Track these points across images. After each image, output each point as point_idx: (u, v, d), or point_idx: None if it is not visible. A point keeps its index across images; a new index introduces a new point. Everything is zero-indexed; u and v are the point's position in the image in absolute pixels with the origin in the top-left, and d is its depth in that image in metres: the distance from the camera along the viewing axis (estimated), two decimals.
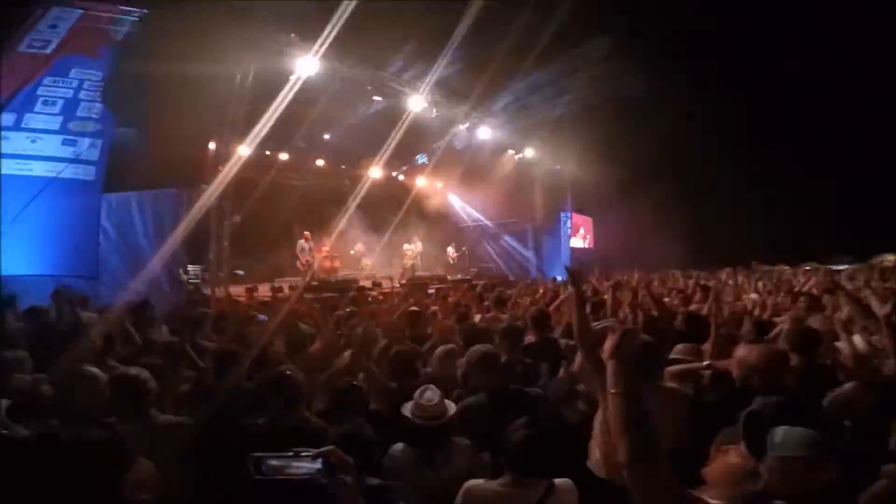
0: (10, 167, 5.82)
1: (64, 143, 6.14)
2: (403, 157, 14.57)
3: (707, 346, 3.24)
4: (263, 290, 9.42)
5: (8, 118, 5.81)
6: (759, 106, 17.07)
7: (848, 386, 2.37)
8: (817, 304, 4.85)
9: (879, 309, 3.19)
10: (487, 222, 17.02)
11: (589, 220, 19.41)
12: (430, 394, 2.18)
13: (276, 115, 8.27)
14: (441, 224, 17.05)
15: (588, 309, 4.33)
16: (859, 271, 9.18)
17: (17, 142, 5.86)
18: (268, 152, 12.52)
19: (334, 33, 8.06)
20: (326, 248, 13.27)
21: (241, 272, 12.20)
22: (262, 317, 4.89)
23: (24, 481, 0.84)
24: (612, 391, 1.27)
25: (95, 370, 2.99)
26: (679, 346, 3.20)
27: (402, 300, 5.60)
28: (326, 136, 13.27)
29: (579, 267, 2.40)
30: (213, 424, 2.16)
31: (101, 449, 0.89)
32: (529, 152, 15.55)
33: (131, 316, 4.56)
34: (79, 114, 6.18)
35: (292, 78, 8.24)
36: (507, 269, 16.37)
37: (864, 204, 15.99)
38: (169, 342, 3.73)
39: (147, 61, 6.09)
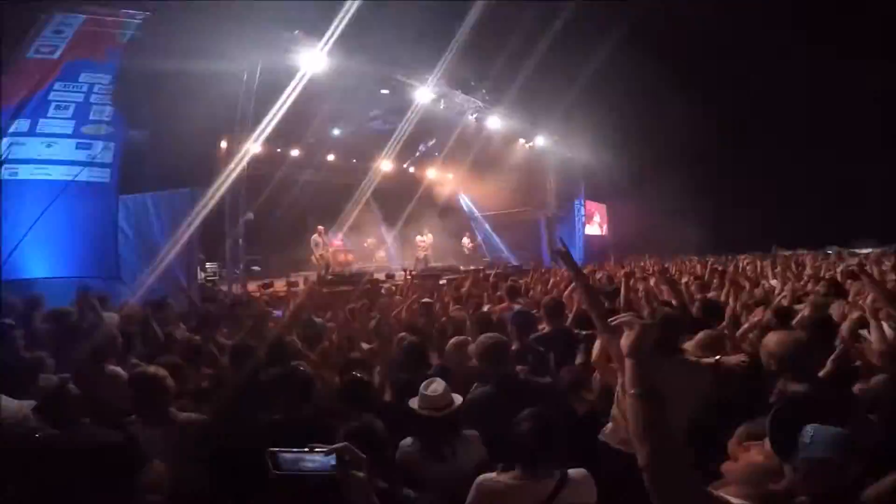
0: (30, 172, 5.96)
1: (78, 146, 6.24)
2: (414, 149, 14.54)
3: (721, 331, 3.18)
4: (279, 285, 9.55)
5: (23, 124, 5.92)
6: (776, 89, 16.59)
7: (876, 379, 2.27)
8: (839, 290, 4.71)
9: None
10: (500, 211, 16.92)
11: (603, 207, 19.17)
12: (436, 385, 2.18)
13: (286, 111, 8.29)
14: (453, 215, 17.02)
15: (600, 294, 4.32)
16: (885, 255, 8.90)
17: (33, 147, 5.98)
18: (279, 149, 12.61)
19: (340, 28, 8.04)
20: (340, 242, 13.37)
21: (257, 268, 12.38)
22: (276, 312, 4.95)
23: (39, 482, 0.86)
24: (632, 392, 1.22)
25: (117, 369, 3.08)
26: (698, 337, 3.13)
27: (413, 292, 5.62)
28: (336, 132, 13.31)
29: (563, 247, 2.35)
30: (229, 420, 2.20)
31: (115, 450, 0.91)
32: (540, 140, 15.38)
33: (152, 314, 4.67)
34: (91, 117, 6.27)
35: (299, 74, 8.24)
36: (520, 258, 16.28)
37: (887, 187, 15.46)
38: (187, 340, 3.80)
39: (153, 63, 6.14)
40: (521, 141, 15.46)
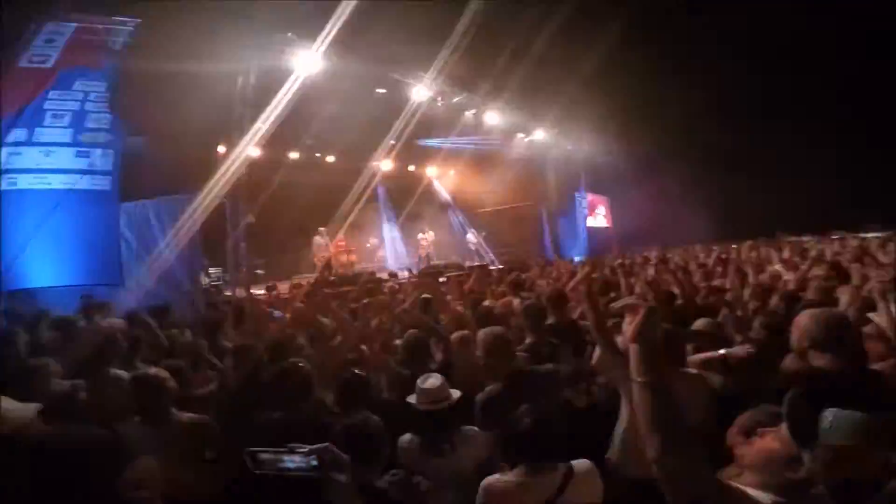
0: (29, 182, 5.97)
1: (77, 154, 6.25)
2: (413, 148, 14.50)
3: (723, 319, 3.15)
4: (283, 288, 9.57)
5: (20, 133, 5.93)
6: (779, 76, 16.44)
7: (886, 364, 2.21)
8: (842, 274, 4.65)
9: None
10: (501, 207, 16.89)
11: (605, 199, 19.10)
12: (433, 380, 2.17)
13: (283, 114, 8.29)
14: (455, 212, 17.00)
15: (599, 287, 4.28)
16: (889, 239, 8.81)
17: (32, 156, 5.99)
18: (278, 152, 12.61)
19: (335, 29, 8.01)
20: (342, 243, 13.38)
21: (261, 271, 12.41)
22: (277, 313, 4.96)
23: (25, 479, 0.85)
24: (638, 380, 1.16)
25: (122, 373, 3.09)
26: (700, 322, 3.12)
27: (414, 289, 5.61)
28: (335, 134, 13.30)
29: (592, 261, 2.32)
30: (231, 421, 2.20)
31: (98, 447, 0.90)
32: (539, 134, 15.33)
33: (155, 320, 4.69)
34: (88, 125, 6.27)
35: (293, 77, 8.24)
36: (524, 252, 16.25)
37: (891, 172, 15.30)
38: (191, 344, 3.80)
39: (147, 68, 6.15)
40: (520, 135, 15.42)
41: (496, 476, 1.85)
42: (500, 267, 8.96)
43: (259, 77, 8.42)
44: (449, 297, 5.14)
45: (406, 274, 11.10)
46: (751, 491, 1.25)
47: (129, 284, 6.67)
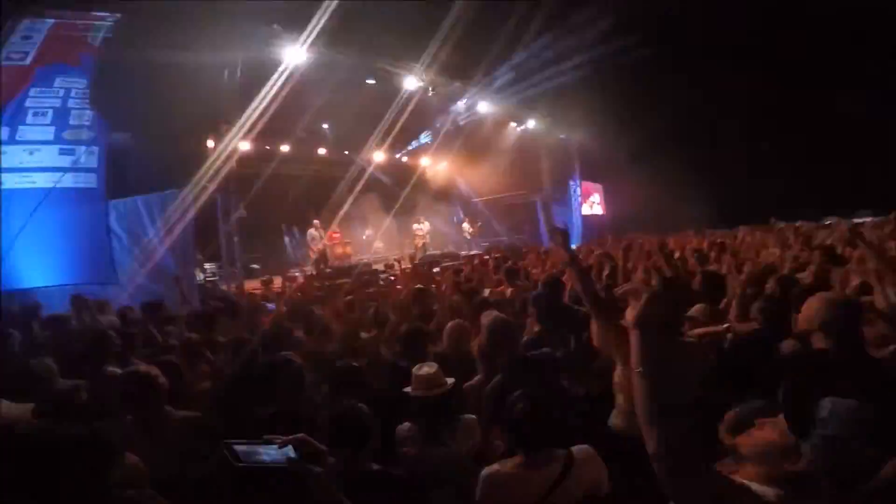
0: (14, 181, 5.87)
1: (61, 152, 6.15)
2: (405, 138, 14.42)
3: (725, 306, 3.15)
4: (279, 282, 9.53)
5: (2, 132, 5.82)
6: (773, 62, 16.38)
7: (888, 350, 2.19)
8: (836, 258, 4.67)
9: None
10: (495, 196, 16.85)
11: (599, 186, 19.10)
12: (428, 367, 2.17)
13: (272, 107, 8.19)
14: (449, 201, 16.96)
15: (605, 273, 4.28)
16: (885, 223, 8.85)
17: (15, 155, 5.88)
18: (268, 146, 12.48)
19: (322, 21, 7.88)
20: (337, 235, 13.31)
21: (256, 266, 12.35)
22: (270, 306, 4.94)
23: (9, 476, 0.83)
24: (639, 370, 1.11)
25: (116, 370, 3.07)
26: (696, 307, 3.13)
27: (409, 280, 5.59)
28: (325, 125, 13.18)
29: (564, 227, 2.31)
30: (225, 415, 2.18)
31: (83, 444, 0.88)
32: (532, 123, 15.26)
33: (149, 316, 4.65)
34: (71, 122, 6.16)
35: (281, 68, 8.12)
36: (519, 241, 16.26)
37: (883, 156, 15.37)
38: (185, 339, 3.77)
39: (129, 63, 6.02)
40: (513, 124, 15.34)
41: (496, 465, 1.83)
42: (496, 256, 8.94)
43: (246, 69, 8.30)
44: (444, 287, 5.13)
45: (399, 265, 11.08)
46: (753, 485, 1.21)
47: (122, 281, 6.61)
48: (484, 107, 13.34)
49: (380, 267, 11.32)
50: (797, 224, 11.89)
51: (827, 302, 2.08)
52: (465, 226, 15.81)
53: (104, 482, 0.89)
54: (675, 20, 14.44)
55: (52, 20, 6.02)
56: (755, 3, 15.15)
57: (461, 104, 13.08)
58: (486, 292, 4.71)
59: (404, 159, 16.46)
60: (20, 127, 5.91)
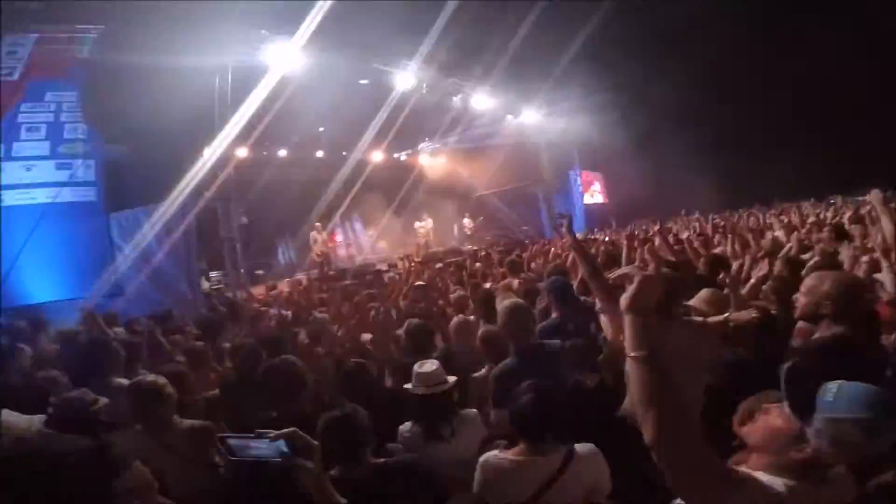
0: (14, 198, 5.90)
1: (58, 167, 6.18)
2: (403, 136, 14.37)
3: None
4: (283, 287, 9.55)
5: None
6: (773, 43, 16.22)
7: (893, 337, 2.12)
8: (844, 236, 4.61)
9: None
10: (497, 189, 16.81)
11: (600, 175, 19.01)
12: (429, 364, 2.15)
13: (265, 111, 8.17)
14: (450, 198, 16.93)
15: (602, 260, 4.24)
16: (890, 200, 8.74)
17: (12, 172, 5.91)
18: (265, 152, 12.50)
19: (311, 23, 7.83)
20: (339, 237, 13.32)
21: (261, 272, 12.38)
22: (273, 310, 4.94)
23: (10, 489, 0.82)
24: (633, 355, 1.07)
25: (123, 381, 3.07)
26: (703, 293, 3.05)
27: (412, 278, 5.58)
28: (321, 128, 13.16)
29: (567, 214, 2.28)
30: (229, 420, 2.17)
31: (88, 455, 0.87)
32: (530, 115, 15.19)
33: (157, 327, 4.67)
34: (65, 136, 6.19)
35: (272, 72, 8.09)
36: (521, 233, 16.23)
37: (886, 137, 15.18)
38: (192, 348, 3.77)
39: (119, 75, 6.01)
40: (510, 117, 15.27)
41: (495, 452, 1.82)
42: (499, 249, 8.93)
43: (237, 75, 8.27)
44: (449, 283, 5.12)
45: (402, 263, 11.07)
46: (761, 476, 1.17)
47: (127, 293, 6.64)
48: (480, 101, 13.28)
49: (383, 266, 11.33)
50: (801, 203, 11.81)
51: (836, 282, 2.03)
52: (466, 221, 15.80)
53: (108, 494, 0.88)
54: (672, 4, 14.30)
55: (36, 34, 6.00)
56: None
57: (457, 100, 13.01)
58: (488, 285, 4.70)
59: (403, 158, 16.44)
60: (15, 143, 5.93)
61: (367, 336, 3.35)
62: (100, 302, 5.88)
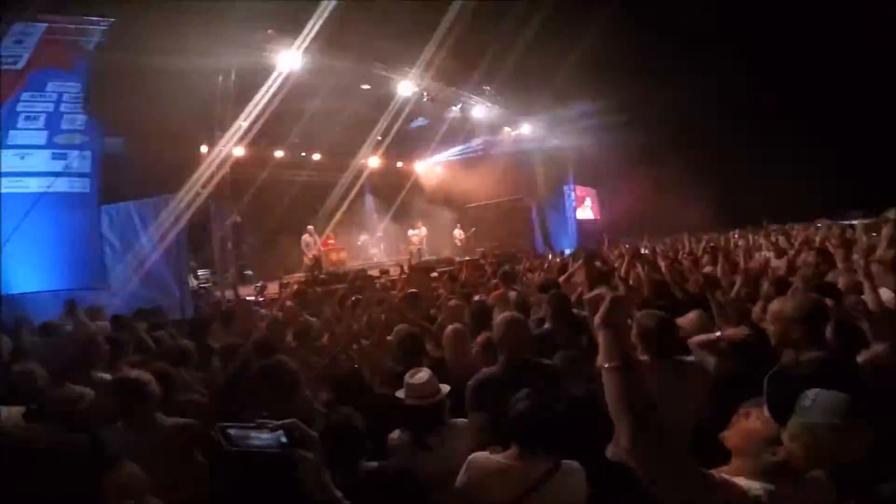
0: (6, 185, 5.80)
1: (53, 157, 6.10)
2: (400, 143, 14.43)
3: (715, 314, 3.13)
4: (273, 288, 9.45)
5: None
6: (765, 68, 16.63)
7: (878, 347, 2.20)
8: (830, 259, 4.71)
9: None
10: (490, 201, 16.89)
11: (593, 191, 19.19)
12: (421, 374, 2.15)
13: (265, 112, 8.18)
14: (445, 207, 16.97)
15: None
16: (875, 225, 8.95)
17: (6, 159, 5.82)
18: (263, 151, 12.46)
19: (317, 26, 7.89)
20: (332, 241, 13.25)
21: (250, 272, 12.26)
22: (263, 311, 4.89)
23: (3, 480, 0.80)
24: (606, 366, 1.14)
25: (105, 376, 3.02)
26: (691, 315, 3.06)
27: (404, 285, 5.57)
28: (320, 132, 13.17)
29: (594, 247, 2.31)
30: (219, 421, 2.13)
31: (74, 452, 0.85)
32: (527, 128, 15.35)
33: (144, 323, 4.60)
34: (63, 127, 6.11)
35: (275, 73, 8.11)
36: (514, 246, 16.30)
37: (872, 158, 15.58)
38: (178, 346, 3.72)
39: (123, 68, 6.00)
40: (507, 129, 15.41)
41: (484, 453, 1.85)
42: (492, 261, 8.95)
43: (240, 75, 8.28)
44: (441, 291, 5.11)
45: (394, 271, 11.03)
46: (739, 480, 1.20)
47: (114, 287, 6.54)
48: (478, 112, 13.39)
49: (375, 272, 11.28)
50: (789, 227, 12.02)
51: (792, 305, 2.15)
52: (457, 232, 15.83)
53: (97, 491, 0.86)
54: (671, 25, 14.62)
55: (46, 24, 5.98)
56: (751, 13, 15.37)
57: (456, 109, 13.11)
58: (486, 296, 4.70)
59: (399, 165, 16.48)
60: (11, 131, 5.85)
61: (357, 342, 3.32)
62: (84, 295, 5.77)
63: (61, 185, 6.10)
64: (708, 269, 5.03)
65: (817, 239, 6.87)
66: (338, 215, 12.63)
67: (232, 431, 1.13)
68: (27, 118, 5.94)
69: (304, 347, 3.19)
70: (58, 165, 6.09)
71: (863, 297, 2.86)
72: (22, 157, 5.91)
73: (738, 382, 2.06)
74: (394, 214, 15.73)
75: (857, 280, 3.17)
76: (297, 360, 2.37)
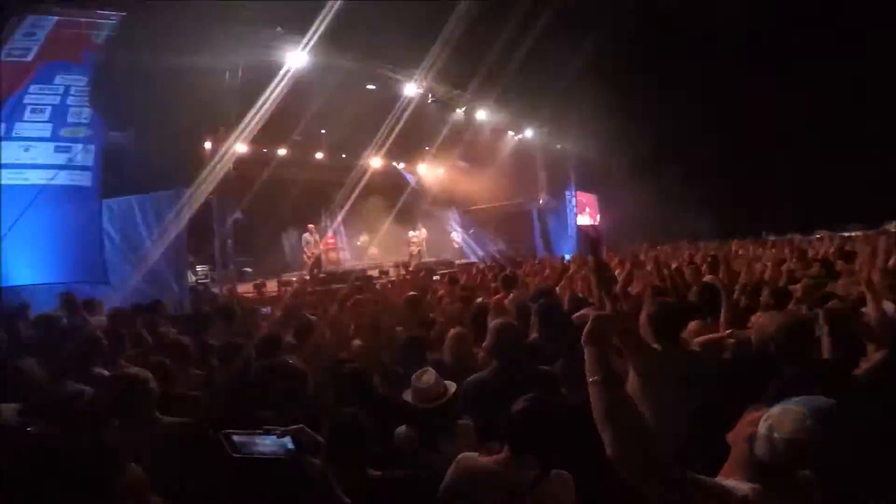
0: (7, 177, 5.78)
1: (57, 149, 6.09)
2: (404, 144, 14.43)
3: (721, 321, 3.14)
4: (272, 286, 9.45)
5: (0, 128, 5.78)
6: (766, 80, 16.67)
7: (877, 356, 2.22)
8: (831, 270, 4.72)
9: None
10: (492, 204, 16.89)
11: (594, 197, 19.21)
12: (427, 376, 2.13)
13: (270, 110, 8.17)
14: (445, 209, 16.97)
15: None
16: (872, 237, 8.98)
17: (9, 151, 5.81)
18: (265, 149, 12.45)
19: (324, 24, 7.90)
20: (332, 240, 13.25)
21: (249, 269, 12.24)
22: (264, 309, 4.88)
23: (9, 489, 0.79)
24: (591, 379, 1.23)
25: (104, 372, 3.00)
26: (691, 326, 3.06)
27: (405, 287, 5.57)
28: (323, 130, 13.15)
29: (596, 235, 2.33)
30: (220, 420, 2.12)
31: (85, 454, 0.84)
32: (530, 132, 15.36)
33: (142, 318, 4.58)
34: (69, 120, 6.11)
35: (282, 72, 8.11)
36: (514, 250, 16.30)
37: (872, 170, 15.63)
38: (176, 342, 3.70)
39: (131, 63, 6.00)
40: (510, 133, 15.42)
41: (473, 454, 1.84)
42: (492, 265, 8.95)
43: (247, 73, 8.27)
44: (441, 293, 5.10)
45: (394, 270, 11.04)
46: (725, 481, 1.22)
47: (112, 281, 6.52)
48: (482, 115, 13.40)
49: (374, 273, 11.27)
50: (789, 237, 12.04)
51: (772, 318, 2.25)
52: (454, 235, 15.83)
53: (106, 493, 0.85)
54: (674, 33, 14.67)
55: (57, 17, 6.00)
56: (750, 21, 15.42)
57: (460, 112, 13.12)
58: (479, 299, 4.69)
59: (401, 166, 16.47)
60: (16, 123, 5.85)
61: (356, 342, 3.32)
62: (82, 289, 5.75)
63: (63, 177, 6.09)
64: (708, 277, 5.03)
65: (820, 251, 6.89)
66: (339, 215, 12.61)
67: (237, 438, 1.10)
68: (33, 110, 5.94)
69: (305, 347, 3.17)
70: (61, 158, 6.08)
71: (864, 309, 2.87)
72: (25, 150, 5.90)
73: (745, 384, 2.08)
74: (394, 215, 15.72)
75: (860, 291, 3.17)
76: (299, 359, 2.36)
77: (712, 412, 1.87)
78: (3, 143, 5.72)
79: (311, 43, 8.23)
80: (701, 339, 2.63)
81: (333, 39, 8.44)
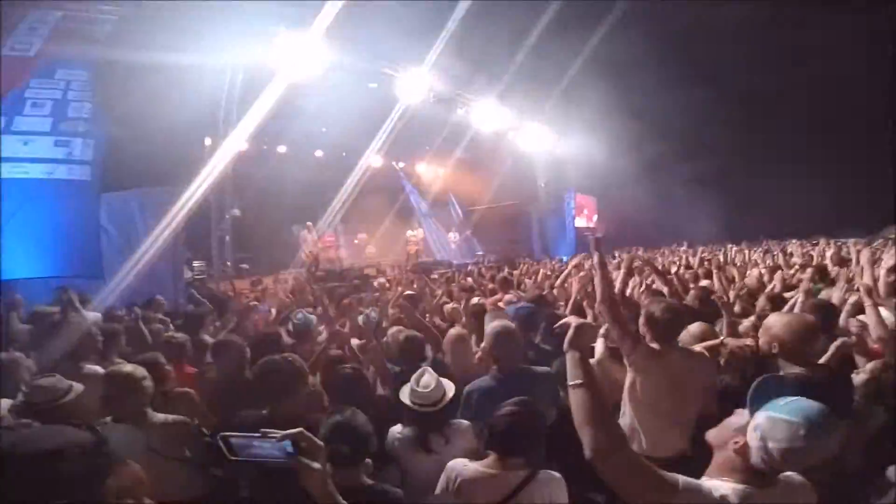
0: (6, 171, 5.76)
1: (56, 144, 6.08)
2: (403, 144, 14.42)
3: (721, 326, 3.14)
4: (269, 283, 9.41)
5: (0, 122, 5.75)
6: (767, 82, 16.72)
7: (873, 365, 2.22)
8: (826, 276, 4.73)
9: None
10: (491, 206, 16.90)
11: (593, 200, 19.23)
12: (427, 378, 2.14)
13: (271, 108, 8.15)
14: (444, 209, 16.97)
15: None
16: (869, 244, 9.01)
17: (9, 145, 5.80)
18: (265, 147, 12.42)
19: (325, 23, 7.88)
20: (330, 239, 13.22)
21: (246, 266, 12.21)
22: (262, 307, 4.86)
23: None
24: (571, 383, 1.28)
25: (96, 368, 2.98)
26: (692, 329, 3.06)
27: (404, 286, 5.56)
28: (324, 129, 13.13)
29: (600, 235, 2.35)
30: (215, 417, 2.11)
31: (80, 451, 0.83)
32: (530, 134, 15.37)
33: (140, 313, 4.56)
34: (69, 114, 6.11)
35: (283, 70, 8.09)
36: (511, 251, 16.31)
37: (869, 177, 15.68)
38: (170, 338, 3.68)
39: (132, 59, 6.00)
40: (511, 135, 15.43)
41: (462, 460, 1.86)
42: (490, 266, 8.95)
43: (248, 71, 8.25)
44: (439, 293, 5.10)
45: (391, 271, 11.03)
46: (705, 481, 1.24)
47: (110, 277, 6.49)
48: (483, 116, 13.40)
49: (372, 272, 11.26)
50: (786, 243, 12.06)
51: (786, 321, 2.22)
52: (451, 235, 15.83)
53: (101, 492, 0.84)
54: (676, 36, 14.69)
55: (61, 13, 5.98)
56: (752, 22, 15.46)
57: (460, 112, 13.12)
58: (476, 300, 4.68)
59: (401, 165, 16.46)
60: (17, 117, 5.85)
61: (354, 341, 3.31)
62: (78, 284, 5.72)
63: (62, 172, 6.07)
64: (704, 282, 5.03)
65: (815, 258, 6.91)
66: (338, 213, 12.58)
67: (234, 441, 1.08)
68: (34, 105, 5.94)
69: (302, 345, 3.16)
70: (60, 153, 6.07)
71: (860, 316, 2.87)
72: (24, 143, 5.89)
73: (737, 394, 2.08)
74: (393, 214, 15.71)
75: (857, 299, 3.17)
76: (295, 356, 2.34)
77: (709, 412, 1.88)
78: (3, 137, 5.70)
79: (313, 42, 8.21)
80: (699, 346, 2.63)
81: (335, 38, 8.43)
